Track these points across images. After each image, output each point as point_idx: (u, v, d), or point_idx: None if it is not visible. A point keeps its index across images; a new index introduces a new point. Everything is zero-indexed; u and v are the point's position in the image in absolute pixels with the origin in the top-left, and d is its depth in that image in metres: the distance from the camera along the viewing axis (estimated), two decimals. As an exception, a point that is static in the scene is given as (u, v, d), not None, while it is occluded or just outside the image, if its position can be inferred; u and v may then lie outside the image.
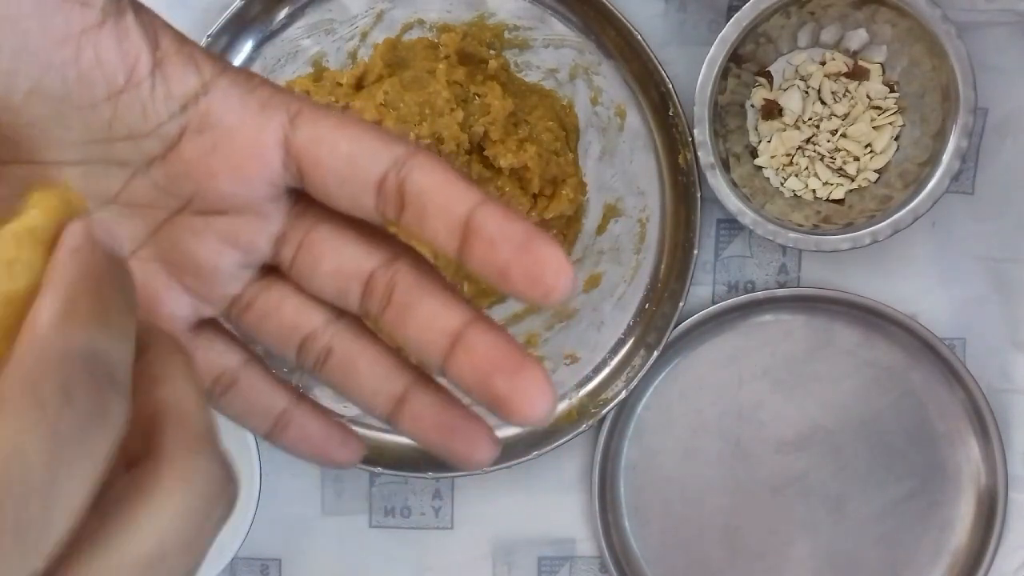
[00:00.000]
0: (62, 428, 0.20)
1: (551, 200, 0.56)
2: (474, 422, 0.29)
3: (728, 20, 0.55)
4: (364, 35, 0.59)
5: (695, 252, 0.58)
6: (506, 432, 0.61)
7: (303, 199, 0.29)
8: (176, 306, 0.30)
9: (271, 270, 0.30)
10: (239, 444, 0.56)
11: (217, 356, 0.31)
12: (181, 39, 0.28)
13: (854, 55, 0.58)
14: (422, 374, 0.30)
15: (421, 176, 0.27)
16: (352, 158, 0.27)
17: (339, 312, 0.30)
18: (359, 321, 0.31)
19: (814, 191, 0.59)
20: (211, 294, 0.30)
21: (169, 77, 0.27)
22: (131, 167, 0.28)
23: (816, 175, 0.59)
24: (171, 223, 0.29)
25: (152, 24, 0.28)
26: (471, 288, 0.58)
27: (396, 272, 0.29)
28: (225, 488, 0.23)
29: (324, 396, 0.62)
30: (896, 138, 0.58)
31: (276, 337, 0.31)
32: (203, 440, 0.23)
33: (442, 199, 0.27)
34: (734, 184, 0.57)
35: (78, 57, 0.26)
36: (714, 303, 0.61)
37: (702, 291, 0.61)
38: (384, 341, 0.31)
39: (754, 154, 0.60)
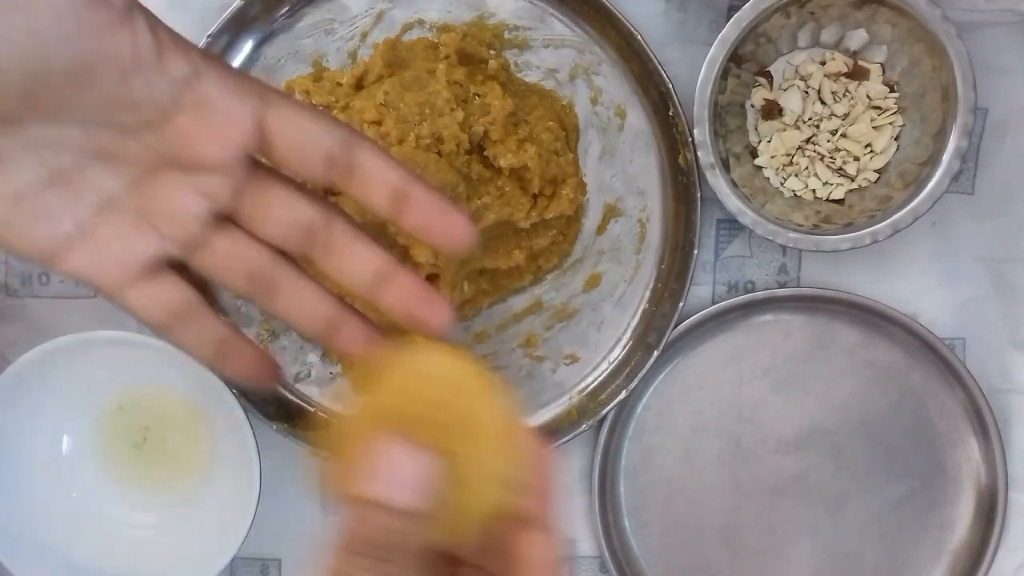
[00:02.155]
0: None
1: (551, 200, 0.56)
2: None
3: (728, 20, 0.55)
4: (364, 35, 0.59)
5: (695, 252, 0.58)
6: (506, 432, 0.61)
7: (260, 165, 0.38)
8: (146, 244, 0.38)
9: (226, 219, 0.39)
10: (239, 445, 0.56)
11: (176, 292, 0.39)
12: (176, 37, 0.36)
13: (854, 55, 0.58)
14: (346, 303, 0.41)
15: (366, 154, 0.37)
16: (311, 134, 0.37)
17: (282, 254, 0.39)
18: (295, 262, 0.40)
19: (814, 191, 0.59)
20: (178, 235, 0.38)
21: (169, 63, 0.35)
22: (127, 129, 0.36)
23: (816, 175, 0.59)
24: (153, 176, 0.37)
25: (155, 23, 0.35)
26: (471, 288, 0.58)
27: (334, 224, 0.39)
28: None
29: (326, 395, 0.62)
30: (896, 138, 0.58)
31: (228, 272, 0.39)
32: None
33: (383, 173, 0.38)
34: (734, 184, 0.57)
35: (100, 44, 0.33)
36: (714, 303, 0.61)
37: (702, 291, 0.61)
38: (315, 278, 0.41)
39: (754, 154, 0.60)
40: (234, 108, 0.36)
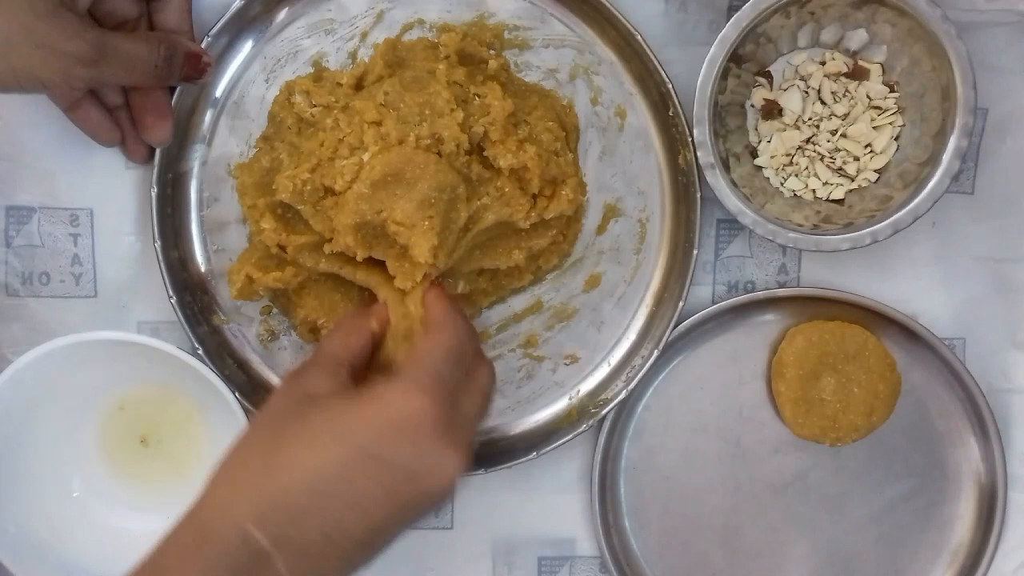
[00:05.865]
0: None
1: (551, 200, 0.56)
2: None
3: (728, 20, 0.55)
4: (364, 35, 0.59)
5: (695, 252, 0.58)
6: (506, 432, 0.61)
7: None
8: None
9: None
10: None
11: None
12: None
13: (854, 55, 0.58)
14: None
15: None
16: None
17: None
18: None
19: (814, 191, 0.59)
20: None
21: None
22: None
23: (816, 175, 0.59)
24: None
25: None
26: (471, 288, 0.58)
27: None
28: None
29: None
30: (896, 138, 0.58)
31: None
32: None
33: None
34: (734, 184, 0.57)
35: None
36: (714, 303, 0.61)
37: (702, 291, 0.61)
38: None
39: (754, 154, 0.60)
40: None
